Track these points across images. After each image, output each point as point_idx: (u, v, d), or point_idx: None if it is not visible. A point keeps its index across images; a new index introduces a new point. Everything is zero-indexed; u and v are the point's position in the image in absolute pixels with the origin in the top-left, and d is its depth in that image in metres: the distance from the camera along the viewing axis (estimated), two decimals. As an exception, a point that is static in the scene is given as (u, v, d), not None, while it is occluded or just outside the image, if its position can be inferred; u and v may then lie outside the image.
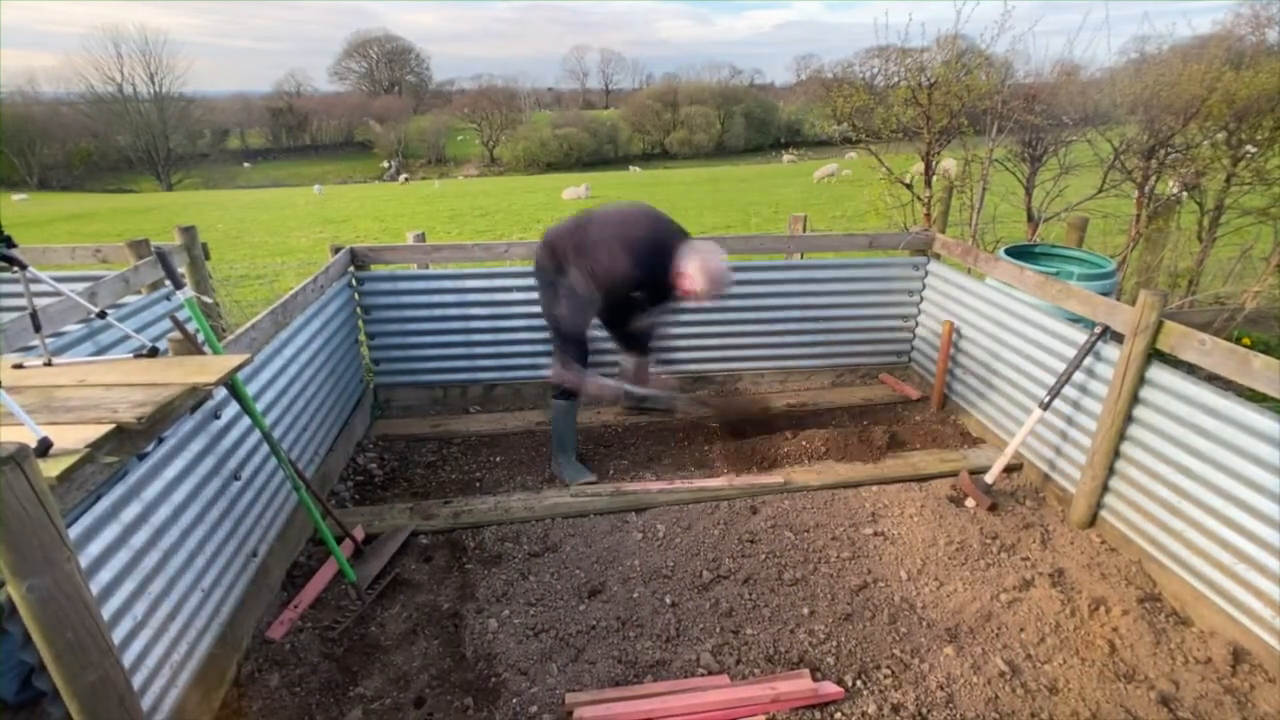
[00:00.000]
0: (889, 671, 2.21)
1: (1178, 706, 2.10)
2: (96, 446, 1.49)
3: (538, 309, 3.44)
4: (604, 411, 3.94)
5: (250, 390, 2.43)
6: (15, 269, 1.85)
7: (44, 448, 1.42)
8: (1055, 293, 3.11)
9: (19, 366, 1.91)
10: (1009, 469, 3.36)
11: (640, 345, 3.52)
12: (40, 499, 1.31)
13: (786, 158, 43.74)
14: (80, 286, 2.79)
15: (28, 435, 1.42)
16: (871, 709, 2.06)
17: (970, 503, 3.10)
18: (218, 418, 2.24)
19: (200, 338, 2.15)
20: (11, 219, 18.59)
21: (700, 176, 29.39)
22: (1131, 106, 4.96)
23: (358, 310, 3.81)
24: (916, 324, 4.36)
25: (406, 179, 39.81)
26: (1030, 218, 5.32)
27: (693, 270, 2.82)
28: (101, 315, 2.19)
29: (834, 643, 2.32)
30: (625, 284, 2.93)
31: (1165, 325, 2.53)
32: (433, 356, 4.00)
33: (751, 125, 59.77)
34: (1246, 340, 4.54)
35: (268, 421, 2.56)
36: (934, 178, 5.44)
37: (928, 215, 5.42)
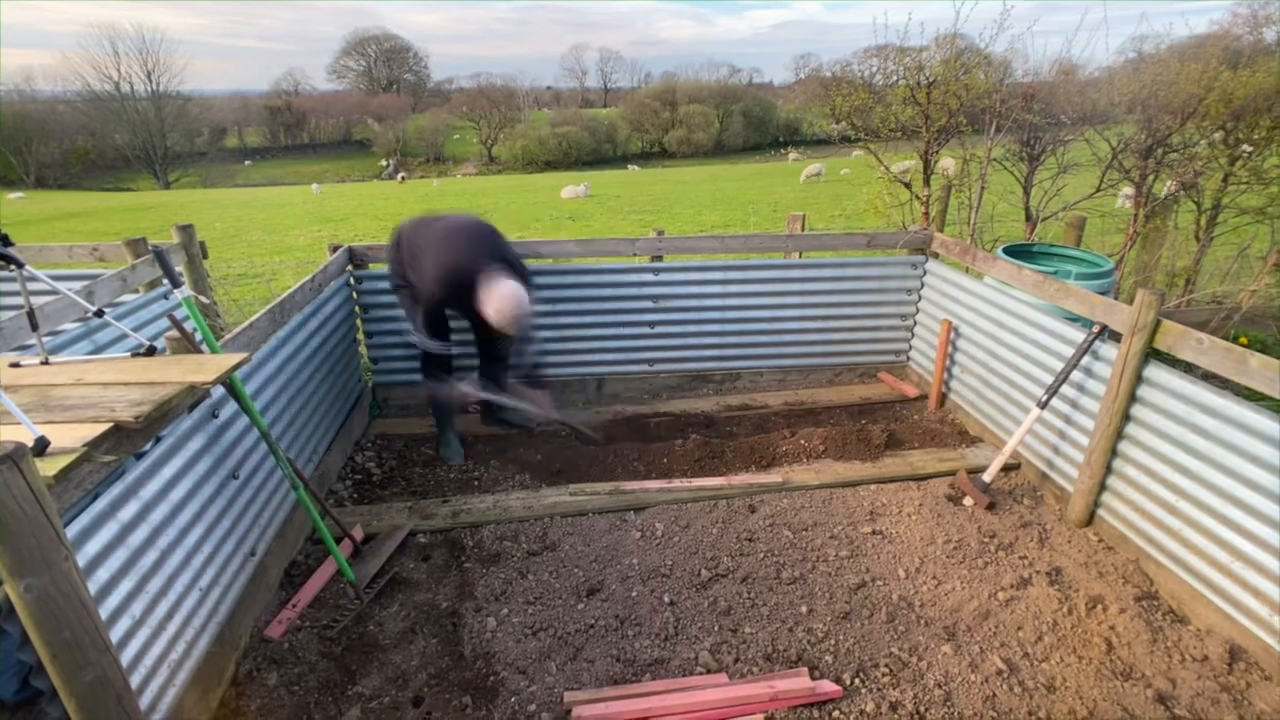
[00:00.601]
0: (887, 670, 2.21)
1: (1174, 704, 2.11)
2: (94, 445, 1.49)
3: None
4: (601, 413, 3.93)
5: (248, 389, 2.43)
6: (12, 267, 1.85)
7: (41, 447, 1.41)
8: (1053, 292, 3.11)
9: (16, 365, 1.91)
10: (1007, 468, 3.37)
11: (496, 355, 3.49)
12: (37, 498, 1.31)
13: (792, 156, 43.63)
14: (77, 285, 2.79)
15: (25, 434, 1.42)
16: (870, 707, 2.06)
17: (968, 501, 3.11)
18: (215, 416, 2.24)
19: (198, 336, 2.15)
20: (8, 217, 18.57)
21: (700, 175, 29.38)
22: (1129, 106, 4.96)
23: (356, 309, 3.81)
24: (915, 323, 4.37)
25: (405, 178, 39.71)
26: (1028, 217, 5.32)
27: (490, 305, 2.84)
28: (99, 314, 2.18)
29: (832, 641, 2.33)
30: (434, 302, 2.98)
31: (1163, 324, 2.53)
32: (431, 355, 3.98)
33: (750, 124, 59.77)
34: (1244, 339, 4.56)
35: (266, 420, 2.55)
36: (932, 176, 5.45)
37: (926, 214, 5.42)
